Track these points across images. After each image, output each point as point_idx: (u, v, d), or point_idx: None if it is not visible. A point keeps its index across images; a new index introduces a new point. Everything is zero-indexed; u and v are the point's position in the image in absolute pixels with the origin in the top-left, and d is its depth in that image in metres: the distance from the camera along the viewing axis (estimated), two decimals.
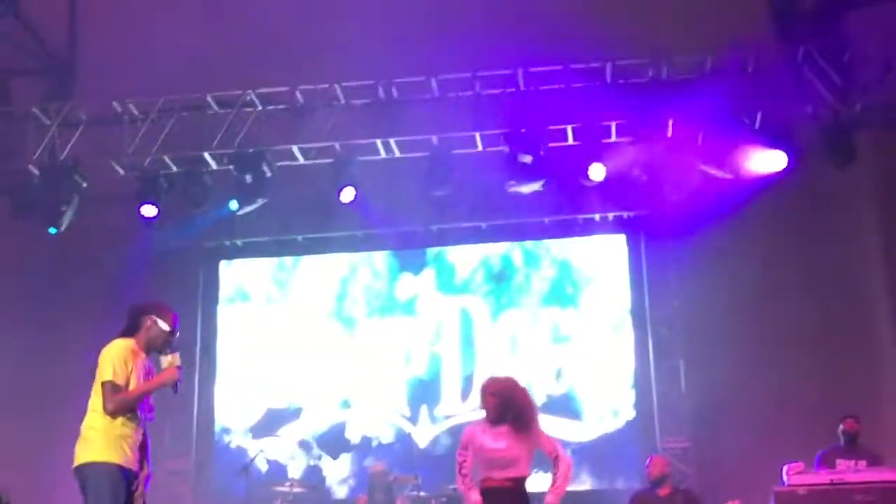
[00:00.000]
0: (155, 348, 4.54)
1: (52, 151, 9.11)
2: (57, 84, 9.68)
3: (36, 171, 9.03)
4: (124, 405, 4.29)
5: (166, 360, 4.49)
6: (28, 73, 9.88)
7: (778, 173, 8.39)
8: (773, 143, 8.33)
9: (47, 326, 9.80)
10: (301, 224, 10.24)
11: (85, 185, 9.03)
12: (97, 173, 9.12)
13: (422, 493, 8.42)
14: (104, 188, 9.20)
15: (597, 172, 8.65)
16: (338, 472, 9.97)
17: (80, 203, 9.03)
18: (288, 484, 8.59)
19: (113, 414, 4.26)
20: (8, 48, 9.60)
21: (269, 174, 8.92)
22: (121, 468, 4.25)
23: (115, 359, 4.33)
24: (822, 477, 6.41)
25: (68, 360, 8.52)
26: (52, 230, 8.98)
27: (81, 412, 4.39)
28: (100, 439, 4.26)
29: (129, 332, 4.52)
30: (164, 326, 4.53)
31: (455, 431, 9.82)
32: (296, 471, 9.85)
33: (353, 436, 10.05)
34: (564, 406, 9.79)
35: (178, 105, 8.99)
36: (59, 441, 5.08)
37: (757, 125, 8.45)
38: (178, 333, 4.64)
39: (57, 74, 9.71)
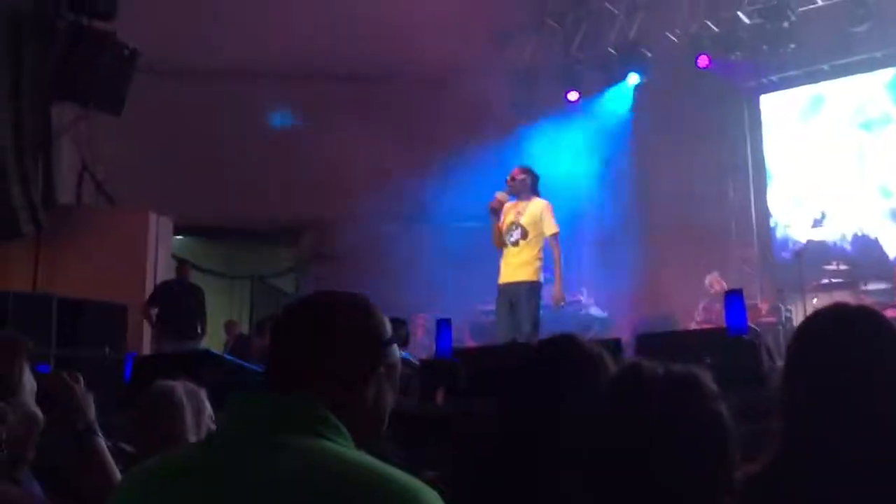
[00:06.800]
0: None
1: (621, 30, 12.29)
2: None
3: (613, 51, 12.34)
4: None
5: None
6: None
7: None
8: None
9: None
10: (825, 55, 11.90)
11: (650, 54, 12.12)
12: (657, 42, 12.09)
13: None
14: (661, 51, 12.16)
15: None
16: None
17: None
18: (834, 263, 10.97)
19: None
20: None
21: (792, 19, 10.98)
22: None
23: None
24: None
25: None
26: None
27: None
28: None
29: None
30: None
31: None
32: (842, 251, 11.91)
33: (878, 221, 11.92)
34: None
35: None
36: None
37: None
38: None
39: None
